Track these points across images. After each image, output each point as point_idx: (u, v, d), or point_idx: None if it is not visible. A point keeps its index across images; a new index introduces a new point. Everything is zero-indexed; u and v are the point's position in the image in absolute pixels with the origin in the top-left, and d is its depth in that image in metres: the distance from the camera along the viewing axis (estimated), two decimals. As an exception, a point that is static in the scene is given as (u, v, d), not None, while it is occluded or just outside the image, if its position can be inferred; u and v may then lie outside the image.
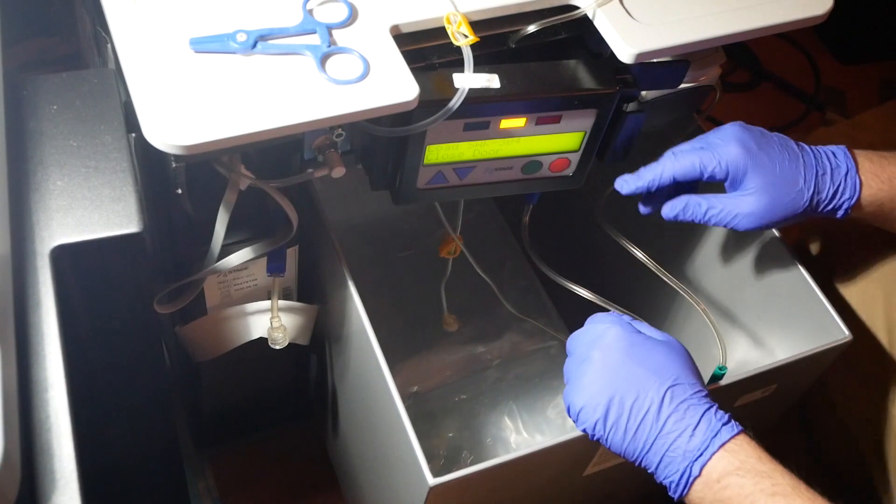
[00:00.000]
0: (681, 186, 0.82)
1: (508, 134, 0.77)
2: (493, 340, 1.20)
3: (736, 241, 0.95)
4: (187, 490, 1.09)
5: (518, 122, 0.76)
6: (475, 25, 0.72)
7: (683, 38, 0.75)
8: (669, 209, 0.81)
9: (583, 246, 1.18)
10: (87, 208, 0.65)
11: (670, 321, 1.07)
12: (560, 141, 0.79)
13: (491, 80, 0.72)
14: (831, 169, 0.78)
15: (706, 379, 0.82)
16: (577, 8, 0.76)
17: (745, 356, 0.97)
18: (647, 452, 0.66)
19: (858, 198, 0.77)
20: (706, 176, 0.79)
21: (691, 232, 1.01)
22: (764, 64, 1.75)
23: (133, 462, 0.87)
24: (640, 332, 0.71)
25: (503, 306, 1.13)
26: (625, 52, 0.74)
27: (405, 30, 0.72)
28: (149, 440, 0.88)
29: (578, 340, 0.73)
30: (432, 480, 0.69)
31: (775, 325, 0.93)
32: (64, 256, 0.63)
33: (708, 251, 1.00)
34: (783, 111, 1.70)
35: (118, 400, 0.80)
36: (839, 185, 0.77)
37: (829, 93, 1.75)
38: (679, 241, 1.03)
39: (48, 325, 0.60)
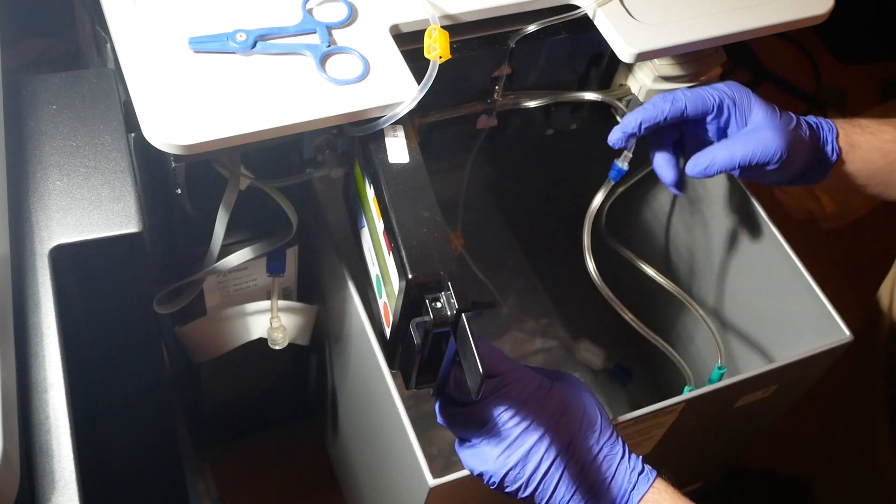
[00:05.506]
0: (676, 146, 0.79)
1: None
2: (493, 340, 1.20)
3: (736, 240, 0.95)
4: (187, 490, 1.09)
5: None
6: (475, 25, 0.72)
7: (683, 37, 0.75)
8: (692, 167, 0.76)
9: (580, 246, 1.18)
10: (87, 208, 0.65)
11: (670, 320, 1.07)
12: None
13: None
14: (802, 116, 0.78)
15: (706, 381, 0.82)
16: (577, 7, 0.76)
17: (745, 357, 0.97)
18: None
19: (837, 136, 0.77)
20: (715, 107, 0.75)
21: (690, 233, 1.01)
22: (764, 64, 1.75)
23: (132, 462, 0.87)
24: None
25: (503, 306, 1.13)
26: (625, 52, 0.74)
27: (405, 29, 0.72)
28: (148, 440, 0.88)
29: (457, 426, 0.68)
30: (432, 481, 0.69)
31: (775, 325, 0.93)
32: (63, 256, 0.63)
33: (708, 251, 1.00)
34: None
35: (117, 400, 0.80)
36: (816, 122, 0.77)
37: (829, 92, 1.75)
38: (679, 241, 1.03)
39: (47, 325, 0.59)
